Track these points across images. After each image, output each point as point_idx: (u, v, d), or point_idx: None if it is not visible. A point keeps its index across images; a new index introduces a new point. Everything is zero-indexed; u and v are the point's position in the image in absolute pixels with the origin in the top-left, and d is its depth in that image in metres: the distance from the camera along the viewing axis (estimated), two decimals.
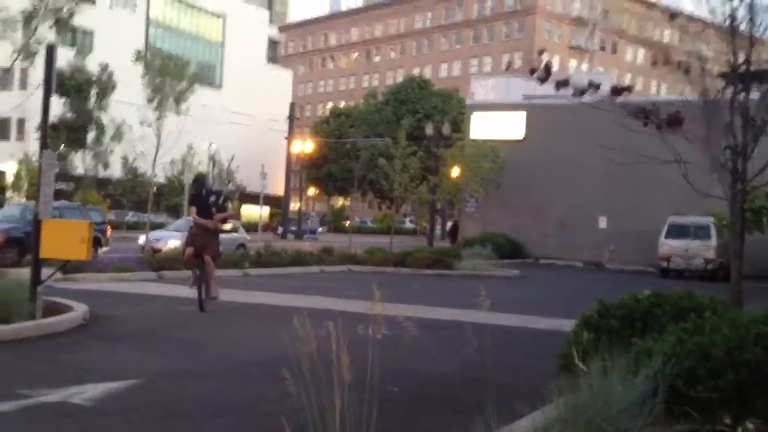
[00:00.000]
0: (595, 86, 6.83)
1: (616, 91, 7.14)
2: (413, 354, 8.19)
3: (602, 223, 32.42)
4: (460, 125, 44.95)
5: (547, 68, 7.25)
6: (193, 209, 12.93)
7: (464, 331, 7.98)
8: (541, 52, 7.18)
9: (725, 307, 6.65)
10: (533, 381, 7.06)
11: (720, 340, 5.16)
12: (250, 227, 37.34)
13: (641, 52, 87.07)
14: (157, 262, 18.28)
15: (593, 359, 5.75)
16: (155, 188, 28.12)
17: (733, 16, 6.89)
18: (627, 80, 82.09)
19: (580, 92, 7.46)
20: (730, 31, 6.95)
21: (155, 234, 25.84)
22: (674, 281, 22.18)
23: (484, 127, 37.75)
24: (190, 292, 12.49)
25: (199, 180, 13.98)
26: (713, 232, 26.07)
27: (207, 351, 8.89)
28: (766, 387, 4.97)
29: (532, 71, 7.31)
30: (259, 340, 9.90)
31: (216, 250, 12.74)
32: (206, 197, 12.87)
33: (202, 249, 12.36)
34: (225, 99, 69.06)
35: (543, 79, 7.46)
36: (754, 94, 7.16)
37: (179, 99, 23.40)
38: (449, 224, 49.09)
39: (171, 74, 23.24)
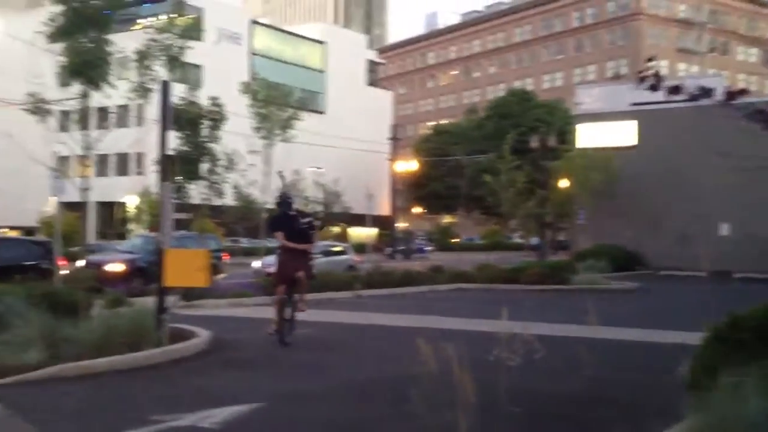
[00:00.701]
0: (707, 91, 6.55)
1: (732, 94, 6.83)
2: (532, 372, 8.04)
3: (724, 230, 31.00)
4: (566, 136, 44.19)
5: (658, 75, 7.02)
6: (280, 234, 11.33)
7: (583, 348, 7.79)
8: (650, 60, 6.95)
9: None
10: (659, 398, 6.80)
11: None
12: (358, 248, 37.73)
13: (754, 52, 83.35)
14: (271, 287, 18.68)
15: (723, 374, 5.49)
16: (266, 214, 28.89)
17: None
18: (741, 81, 78.67)
19: (693, 97, 7.19)
20: None
21: (268, 259, 26.46)
22: None
23: (592, 136, 36.93)
24: (307, 314, 12.26)
25: (286, 200, 11.97)
26: None
27: (327, 372, 9.01)
28: None
29: (642, 80, 7.10)
30: (378, 361, 9.95)
31: (311, 273, 11.90)
32: (294, 219, 11.51)
33: (294, 278, 11.22)
34: (328, 123, 70.36)
35: (655, 87, 7.23)
36: None
37: (285, 126, 24.01)
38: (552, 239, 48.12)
39: (276, 103, 23.88)
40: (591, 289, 21.89)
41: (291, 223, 11.40)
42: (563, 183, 35.66)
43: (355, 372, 9.14)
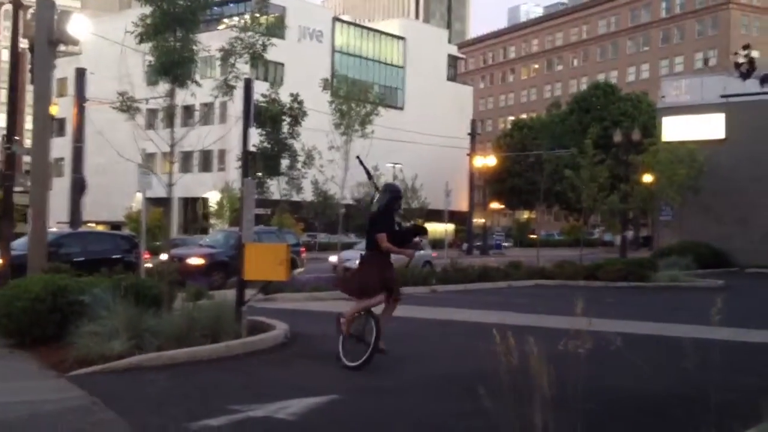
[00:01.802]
0: None
1: None
2: (614, 369, 7.88)
3: None
4: (651, 130, 43.00)
5: (752, 62, 6.76)
6: (384, 236, 9.12)
7: (666, 346, 7.58)
8: (746, 47, 6.70)
9: None
10: (748, 399, 6.56)
11: None
12: (436, 244, 37.69)
13: None
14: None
15: None
16: (344, 210, 29.08)
17: None
18: None
19: None
20: None
21: (345, 254, 26.69)
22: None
23: (677, 130, 35.89)
24: (380, 309, 11.87)
25: (396, 193, 9.80)
26: None
27: (402, 367, 9.02)
28: None
29: (736, 65, 6.85)
30: (453, 356, 9.92)
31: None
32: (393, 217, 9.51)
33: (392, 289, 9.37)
34: (407, 119, 70.46)
35: (747, 74, 6.96)
36: None
37: (364, 122, 24.08)
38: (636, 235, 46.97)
39: (356, 99, 23.98)
40: (672, 287, 21.30)
41: (393, 220, 9.51)
42: (647, 178, 34.72)
43: (430, 367, 9.14)
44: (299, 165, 23.14)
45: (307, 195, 40.92)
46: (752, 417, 5.34)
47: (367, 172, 10.83)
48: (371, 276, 9.26)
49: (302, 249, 25.09)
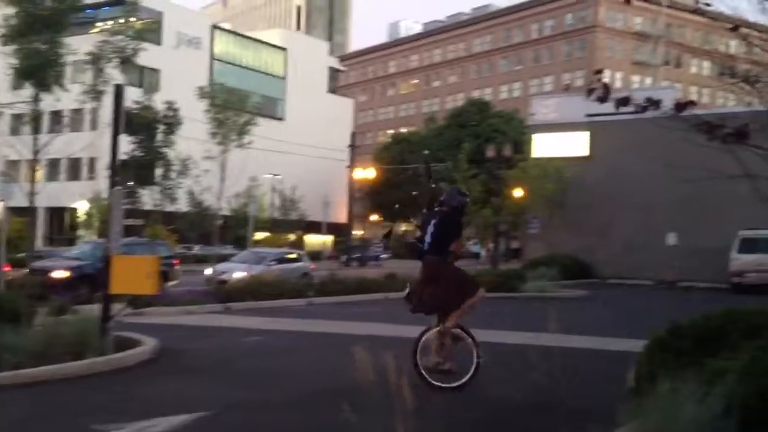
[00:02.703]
0: (655, 102, 6.67)
1: (680, 106, 6.95)
2: (482, 379, 8.10)
3: (671, 240, 31.59)
4: (522, 146, 44.66)
5: (606, 87, 7.12)
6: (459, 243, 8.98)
7: (532, 355, 7.85)
8: (599, 72, 7.05)
9: None
10: (604, 404, 6.88)
11: None
12: (314, 256, 37.61)
13: (706, 65, 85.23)
14: (223, 294, 18.54)
15: (664, 380, 5.59)
16: (221, 221, 28.68)
17: None
18: (693, 94, 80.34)
19: (642, 109, 7.30)
20: None
21: (221, 266, 26.24)
22: (747, 297, 21.43)
23: (546, 147, 37.42)
24: (259, 322, 11.91)
25: (465, 201, 9.23)
26: None
27: (274, 381, 8.95)
28: None
29: (590, 91, 7.20)
30: (326, 369, 9.92)
31: None
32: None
33: None
34: (288, 130, 70.12)
35: (602, 99, 7.33)
36: None
37: (241, 132, 23.86)
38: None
39: (233, 108, 23.74)
40: (540, 297, 22.15)
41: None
42: (517, 192, 36.00)
43: (304, 380, 9.10)
44: (174, 174, 22.63)
45: (182, 205, 40.01)
46: (609, 423, 5.62)
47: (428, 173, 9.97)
48: (460, 279, 8.75)
49: (176, 261, 24.43)
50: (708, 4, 6.72)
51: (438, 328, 8.52)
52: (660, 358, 6.62)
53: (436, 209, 9.00)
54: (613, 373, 8.95)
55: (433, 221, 8.79)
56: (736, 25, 6.62)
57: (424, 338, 8.43)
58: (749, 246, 26.65)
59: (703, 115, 7.24)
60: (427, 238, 8.74)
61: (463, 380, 8.09)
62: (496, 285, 23.62)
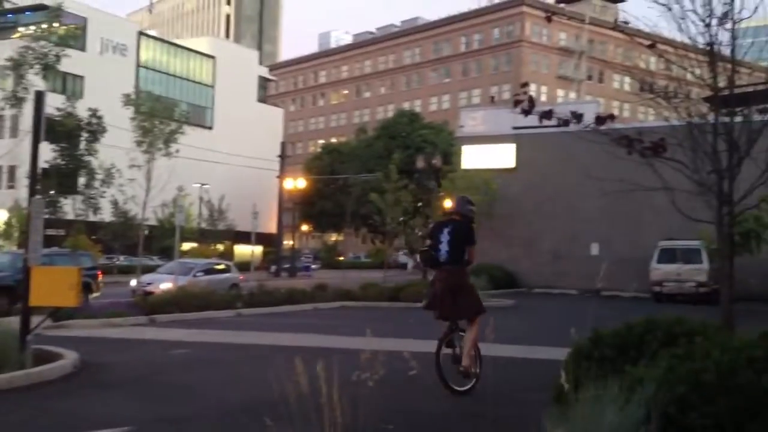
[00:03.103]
0: (577, 116, 6.86)
1: (600, 119, 7.17)
2: (409, 390, 8.13)
3: (595, 249, 32.42)
4: (451, 157, 45.16)
5: (531, 100, 7.29)
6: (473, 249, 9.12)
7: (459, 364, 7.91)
8: (524, 85, 7.22)
9: (717, 331, 6.62)
10: (529, 413, 6.99)
11: (711, 365, 5.12)
12: (243, 267, 37.19)
13: (627, 80, 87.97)
14: (149, 306, 18.16)
15: (586, 388, 5.70)
16: (147, 231, 28.13)
17: (712, 42, 6.96)
18: (615, 108, 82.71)
19: (565, 122, 7.49)
20: (710, 57, 7.01)
21: (147, 277, 25.73)
22: (667, 306, 22.13)
23: (474, 158, 37.95)
24: (185, 335, 11.85)
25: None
26: (704, 255, 26.09)
27: (199, 395, 8.79)
28: (760, 411, 4.91)
29: (516, 104, 7.36)
30: (252, 382, 9.79)
31: None
32: None
33: None
34: (216, 139, 69.33)
35: (527, 111, 7.50)
36: (738, 118, 7.20)
37: (168, 140, 23.48)
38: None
39: (159, 116, 23.34)
40: None
41: None
42: (447, 203, 36.34)
43: (230, 393, 8.97)
44: (97, 183, 22.09)
45: (106, 215, 39.02)
46: (534, 430, 5.71)
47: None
48: (473, 292, 9.01)
49: (99, 272, 23.83)
50: (626, 22, 6.95)
51: (461, 333, 8.96)
52: (583, 366, 6.76)
53: (445, 219, 9.37)
54: (538, 380, 9.11)
55: (446, 230, 8.95)
56: (653, 42, 6.87)
57: (443, 349, 8.79)
58: (668, 256, 27.52)
59: (623, 129, 7.48)
60: (443, 248, 8.89)
61: (471, 384, 8.66)
62: (425, 295, 23.82)
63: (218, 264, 29.37)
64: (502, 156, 37.04)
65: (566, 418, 5.57)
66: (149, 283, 24.27)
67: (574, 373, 6.76)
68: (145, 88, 50.72)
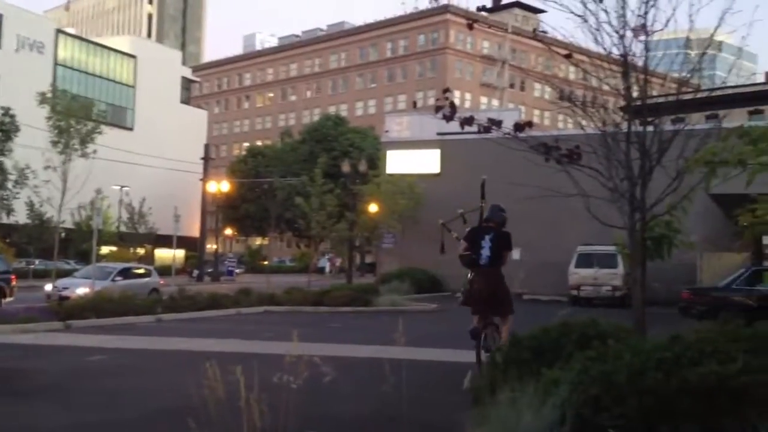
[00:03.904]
0: (497, 123, 6.99)
1: (519, 126, 7.32)
2: (330, 395, 8.10)
3: (516, 254, 32.98)
4: (376, 162, 45.34)
5: (452, 106, 7.39)
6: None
7: (381, 368, 7.97)
8: (445, 91, 7.31)
9: (628, 334, 6.84)
10: (449, 415, 7.08)
11: (622, 366, 5.27)
12: (164, 271, 36.47)
13: (548, 89, 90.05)
14: (64, 311, 17.62)
15: (504, 390, 5.81)
16: (63, 234, 27.28)
17: (626, 53, 7.19)
18: (536, 116, 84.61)
19: (485, 129, 7.62)
20: (624, 67, 7.24)
21: (63, 282, 25.00)
22: (584, 309, 22.70)
23: (399, 163, 38.19)
24: (102, 341, 11.65)
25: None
26: (620, 260, 26.85)
27: (118, 401, 8.59)
28: (669, 412, 5.09)
29: (437, 109, 7.45)
30: (172, 388, 9.61)
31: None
32: None
33: None
34: (137, 140, 67.79)
35: (449, 117, 7.60)
36: (650, 127, 7.45)
37: (85, 141, 22.82)
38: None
39: (76, 115, 22.65)
40: (392, 311, 22.55)
41: None
42: (372, 207, 36.49)
43: (150, 400, 8.78)
44: (10, 185, 21.33)
45: (21, 217, 37.74)
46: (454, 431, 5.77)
47: (463, 219, 11.85)
48: (509, 292, 10.16)
49: (13, 276, 23.01)
50: (544, 32, 7.11)
51: (491, 325, 9.96)
52: (501, 369, 6.89)
53: (483, 226, 10.58)
54: (455, 384, 9.23)
55: (487, 237, 10.22)
56: (569, 53, 7.05)
57: (482, 345, 9.66)
58: (586, 261, 28.21)
59: (541, 136, 7.66)
60: (485, 252, 10.09)
61: None
62: (350, 299, 23.87)
63: (138, 268, 28.75)
64: (426, 161, 37.37)
65: (485, 421, 5.67)
66: (65, 288, 23.58)
67: (492, 376, 6.88)
68: (63, 87, 49.25)
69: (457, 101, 7.58)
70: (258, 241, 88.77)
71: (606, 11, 6.94)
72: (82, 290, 22.30)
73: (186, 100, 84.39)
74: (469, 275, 10.61)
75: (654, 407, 5.08)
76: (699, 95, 7.63)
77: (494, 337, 9.86)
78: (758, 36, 10.98)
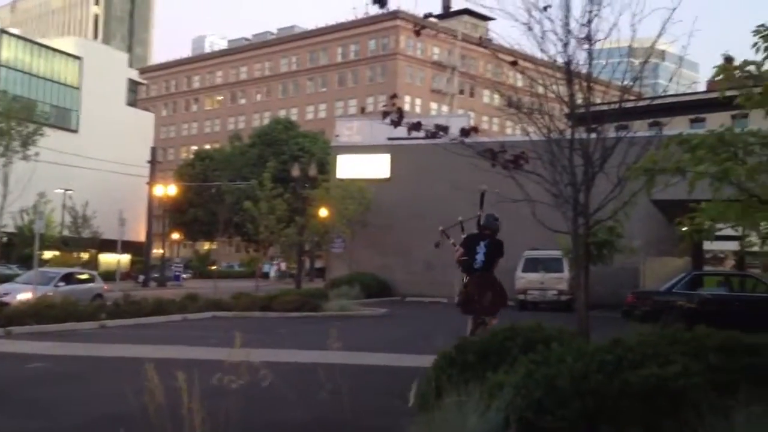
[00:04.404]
0: (443, 128, 7.03)
1: (465, 132, 7.37)
2: (275, 401, 8.04)
3: None
4: (326, 166, 45.22)
5: (400, 111, 7.41)
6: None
7: (328, 374, 7.95)
8: (393, 97, 7.33)
9: (572, 338, 6.93)
10: (394, 420, 7.07)
11: (565, 370, 5.34)
12: (108, 276, 35.78)
13: (496, 95, 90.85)
14: (4, 318, 17.16)
15: (450, 394, 5.83)
16: (4, 239, 26.59)
17: (569, 61, 7.30)
18: (484, 122, 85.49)
19: (433, 134, 7.65)
20: (568, 75, 7.35)
21: (3, 287, 24.38)
22: (531, 313, 22.96)
23: (350, 168, 38.16)
24: (44, 347, 11.42)
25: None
26: (565, 264, 27.21)
27: (59, 409, 8.40)
28: (611, 414, 5.17)
29: (385, 115, 7.46)
30: (114, 395, 9.42)
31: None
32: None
33: None
34: (83, 143, 66.49)
35: (396, 123, 7.61)
36: (593, 134, 7.57)
37: (26, 143, 22.30)
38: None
39: (17, 117, 22.12)
40: (341, 316, 22.50)
41: None
42: (322, 212, 36.38)
43: (91, 407, 8.61)
44: None
45: None
46: None
47: (461, 226, 12.17)
48: (503, 290, 11.25)
49: None
50: (489, 40, 7.19)
51: (475, 323, 10.85)
52: (446, 373, 6.91)
53: (479, 233, 11.44)
54: (402, 389, 9.23)
55: (482, 243, 11.24)
56: (515, 60, 7.14)
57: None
58: (532, 265, 28.53)
59: (488, 142, 7.73)
60: (480, 257, 11.16)
61: None
62: (299, 304, 23.73)
63: (81, 273, 28.17)
64: (377, 166, 37.42)
65: (430, 425, 5.68)
66: (6, 294, 23.01)
67: (438, 380, 6.90)
68: (5, 88, 48.06)
69: (407, 107, 7.67)
70: (206, 245, 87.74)
71: (550, 20, 7.04)
72: (23, 296, 21.78)
73: (132, 102, 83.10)
74: (464, 279, 11.52)
75: (596, 409, 5.16)
76: (641, 103, 7.78)
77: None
78: (699, 45, 11.29)
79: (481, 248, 11.19)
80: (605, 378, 5.28)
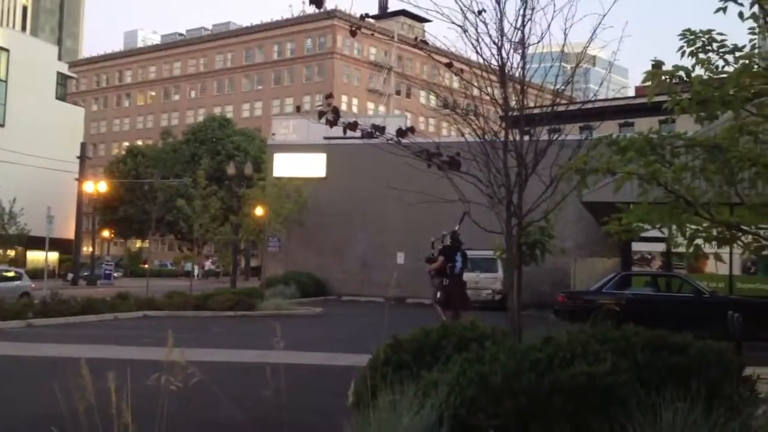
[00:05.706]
0: (379, 129, 7.06)
1: (401, 132, 7.41)
2: (209, 401, 7.95)
3: (400, 258, 33.42)
4: (262, 165, 44.84)
5: (336, 111, 7.40)
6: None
7: (263, 373, 7.89)
8: (328, 96, 7.33)
9: (505, 336, 7.04)
10: (330, 420, 7.09)
11: (498, 368, 5.43)
12: (36, 274, 34.81)
13: (432, 96, 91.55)
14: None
15: (385, 393, 5.86)
16: None
17: (504, 64, 7.41)
18: (421, 122, 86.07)
19: (368, 134, 7.66)
20: (502, 78, 7.46)
21: None
22: (465, 312, 23.16)
23: (286, 167, 37.96)
24: None
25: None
26: (499, 265, 27.61)
27: None
28: (542, 411, 5.27)
29: (321, 114, 7.44)
30: (40, 396, 9.17)
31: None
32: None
33: None
34: (9, 138, 64.37)
35: (332, 123, 7.61)
36: (527, 136, 7.71)
37: None
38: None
39: None
40: (277, 315, 22.39)
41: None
42: (258, 211, 36.07)
43: (16, 408, 8.39)
44: None
45: None
46: None
47: (442, 239, 16.58)
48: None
49: None
50: (426, 41, 7.26)
51: (453, 316, 14.13)
52: (381, 372, 6.94)
53: (452, 246, 15.87)
54: (338, 387, 9.24)
55: (459, 253, 15.75)
56: (450, 62, 7.22)
57: None
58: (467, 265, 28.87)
59: (423, 143, 7.79)
60: (458, 264, 15.64)
61: None
62: (233, 303, 23.51)
63: (7, 271, 27.39)
64: (313, 165, 37.32)
65: (365, 424, 5.70)
66: None
67: (373, 379, 6.93)
68: None
69: (344, 106, 7.69)
70: (138, 243, 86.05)
71: (485, 23, 7.13)
72: None
73: (62, 96, 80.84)
74: (443, 281, 15.50)
75: (528, 407, 5.26)
76: (573, 107, 7.96)
77: None
78: (628, 51, 11.63)
79: (458, 257, 15.36)
80: (537, 376, 5.38)
